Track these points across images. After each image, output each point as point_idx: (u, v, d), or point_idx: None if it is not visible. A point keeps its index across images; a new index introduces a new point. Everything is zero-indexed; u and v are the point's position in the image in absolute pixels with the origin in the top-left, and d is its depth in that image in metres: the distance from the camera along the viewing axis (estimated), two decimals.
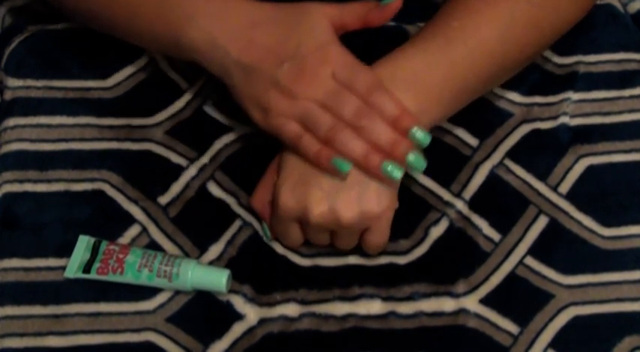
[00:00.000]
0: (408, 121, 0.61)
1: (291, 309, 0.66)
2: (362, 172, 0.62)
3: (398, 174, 0.61)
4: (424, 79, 0.64)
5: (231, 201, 0.71)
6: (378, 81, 0.62)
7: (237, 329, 0.65)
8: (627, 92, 0.77)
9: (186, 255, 0.68)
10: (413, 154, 0.61)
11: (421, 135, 0.62)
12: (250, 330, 0.65)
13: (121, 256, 0.66)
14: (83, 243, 0.67)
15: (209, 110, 0.75)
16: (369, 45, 0.69)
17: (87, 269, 0.66)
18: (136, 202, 0.70)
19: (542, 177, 0.72)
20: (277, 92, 0.62)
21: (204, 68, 0.66)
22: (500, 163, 0.73)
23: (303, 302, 0.66)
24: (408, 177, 0.72)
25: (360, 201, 0.62)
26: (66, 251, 0.67)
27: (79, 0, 0.70)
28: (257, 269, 0.68)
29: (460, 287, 0.67)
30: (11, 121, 0.73)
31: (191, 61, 0.67)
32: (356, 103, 0.61)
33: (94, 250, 0.67)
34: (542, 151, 0.74)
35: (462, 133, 0.74)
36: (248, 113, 0.65)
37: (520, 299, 0.67)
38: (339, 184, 0.62)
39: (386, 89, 0.62)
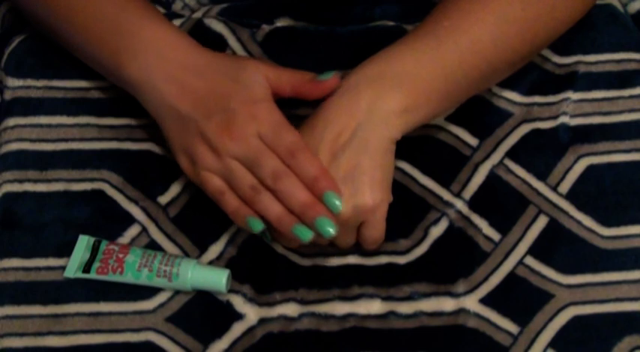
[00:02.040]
0: (323, 184, 0.62)
1: (291, 309, 0.66)
2: (355, 167, 0.62)
3: (307, 236, 0.62)
4: (414, 77, 0.64)
5: None
6: (301, 142, 0.62)
7: (237, 329, 0.65)
8: (627, 92, 0.76)
9: (186, 254, 0.68)
10: (320, 219, 0.61)
11: (333, 201, 0.61)
12: (250, 330, 0.65)
13: (120, 256, 0.66)
14: (83, 243, 0.68)
15: None
16: (368, 44, 0.69)
17: (87, 269, 0.66)
18: (136, 202, 0.70)
19: (542, 176, 0.72)
20: (204, 145, 0.63)
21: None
22: (500, 163, 0.73)
23: (303, 302, 0.66)
24: (407, 177, 0.72)
25: (353, 195, 0.62)
26: (66, 251, 0.67)
27: (39, 12, 0.71)
28: (257, 269, 0.68)
29: (460, 287, 0.67)
30: (11, 121, 0.73)
31: (131, 94, 0.68)
32: (275, 165, 0.62)
33: (94, 250, 0.67)
34: (542, 151, 0.73)
35: (462, 133, 0.74)
36: (176, 160, 0.66)
37: (520, 299, 0.67)
38: None
39: (308, 151, 0.62)
